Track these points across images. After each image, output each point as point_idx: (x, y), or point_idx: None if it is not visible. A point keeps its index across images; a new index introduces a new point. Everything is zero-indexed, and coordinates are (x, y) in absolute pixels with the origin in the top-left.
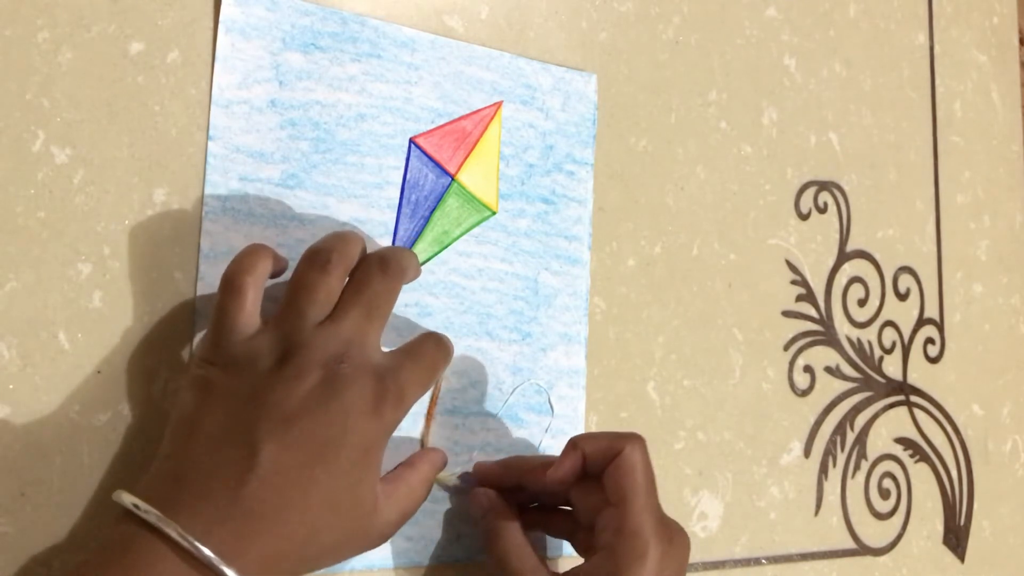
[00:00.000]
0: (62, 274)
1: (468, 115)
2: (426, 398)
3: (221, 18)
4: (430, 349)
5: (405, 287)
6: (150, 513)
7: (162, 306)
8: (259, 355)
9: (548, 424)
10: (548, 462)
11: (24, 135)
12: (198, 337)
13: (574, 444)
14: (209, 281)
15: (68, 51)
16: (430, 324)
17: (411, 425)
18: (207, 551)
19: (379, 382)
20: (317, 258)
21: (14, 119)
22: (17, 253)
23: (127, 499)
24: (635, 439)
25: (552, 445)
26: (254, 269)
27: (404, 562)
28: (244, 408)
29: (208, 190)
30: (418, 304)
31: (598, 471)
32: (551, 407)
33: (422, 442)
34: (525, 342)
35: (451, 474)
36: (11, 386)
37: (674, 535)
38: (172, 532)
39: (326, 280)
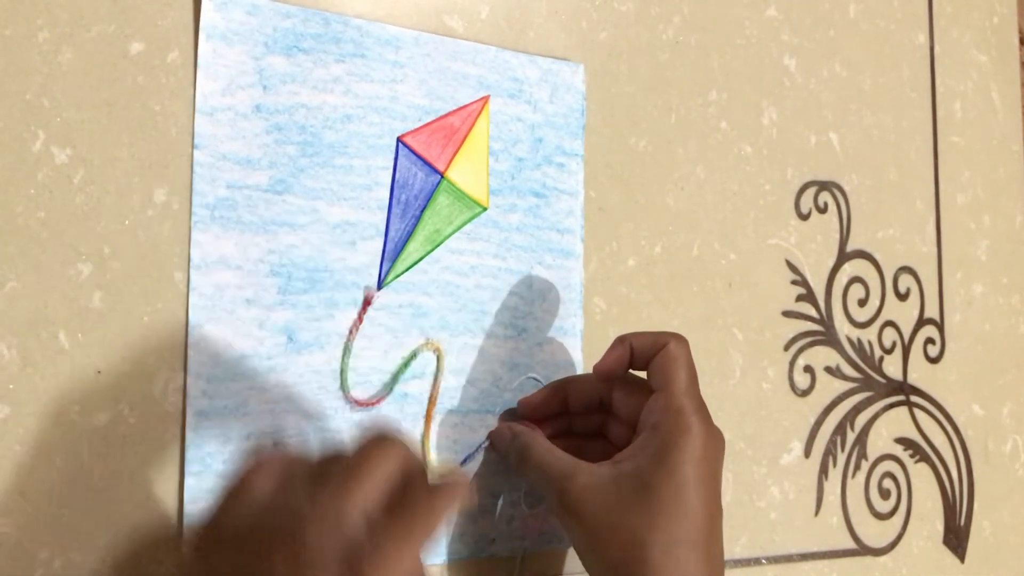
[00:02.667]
0: (62, 274)
1: (455, 111)
2: (425, 400)
3: (202, 24)
4: (430, 493)
5: (398, 288)
6: None
7: (162, 306)
8: (237, 539)
9: None
10: (592, 372)
11: (24, 135)
12: (191, 350)
13: (621, 339)
14: (201, 291)
15: (68, 51)
16: (425, 324)
17: (411, 426)
18: None
19: (351, 557)
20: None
21: (14, 119)
22: (17, 253)
23: None
24: (679, 336)
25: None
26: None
27: None
28: None
29: (196, 199)
30: (412, 304)
31: (643, 364)
32: None
33: (422, 442)
34: (521, 337)
35: (446, 463)
36: (11, 386)
37: (714, 428)
38: None
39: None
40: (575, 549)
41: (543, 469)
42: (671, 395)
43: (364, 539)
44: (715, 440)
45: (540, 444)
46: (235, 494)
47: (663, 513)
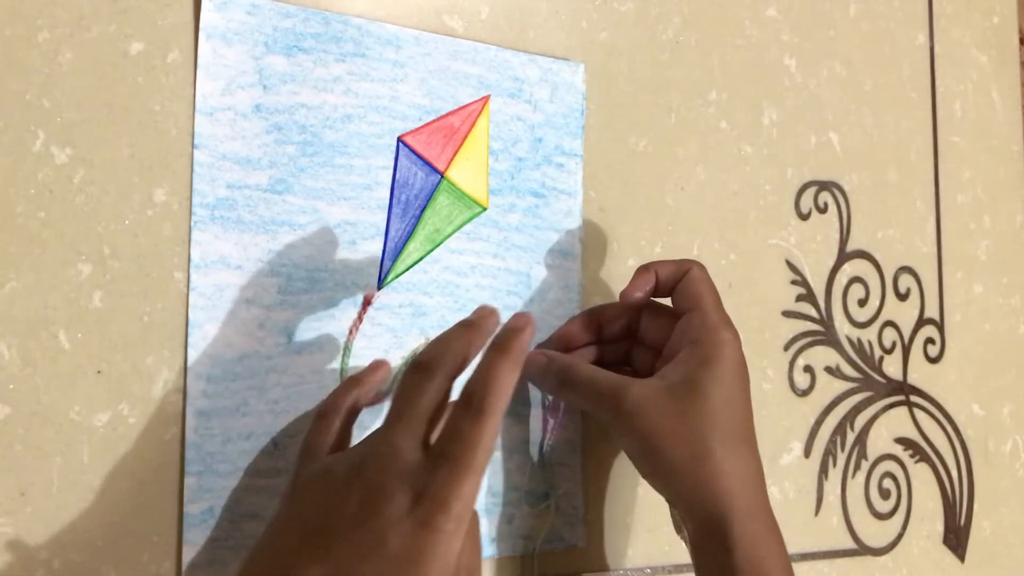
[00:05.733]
0: (62, 274)
1: (456, 111)
2: None
3: (201, 24)
4: (464, 429)
5: (398, 288)
6: None
7: (162, 306)
8: (315, 480)
9: (547, 419)
10: (619, 303)
11: (24, 135)
12: (191, 350)
13: (646, 267)
14: (201, 291)
15: (68, 51)
16: (425, 323)
17: None
18: None
19: (416, 490)
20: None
21: (14, 119)
22: (17, 253)
23: None
24: (699, 262)
25: (551, 443)
26: (344, 402)
27: None
28: (289, 537)
29: (196, 199)
30: (412, 304)
31: (667, 291)
32: (548, 401)
33: None
34: None
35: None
36: (11, 386)
37: (739, 339)
38: None
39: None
40: (633, 457)
41: (592, 385)
42: (705, 313)
43: (424, 471)
44: (741, 351)
45: (582, 363)
46: (309, 448)
47: (717, 413)
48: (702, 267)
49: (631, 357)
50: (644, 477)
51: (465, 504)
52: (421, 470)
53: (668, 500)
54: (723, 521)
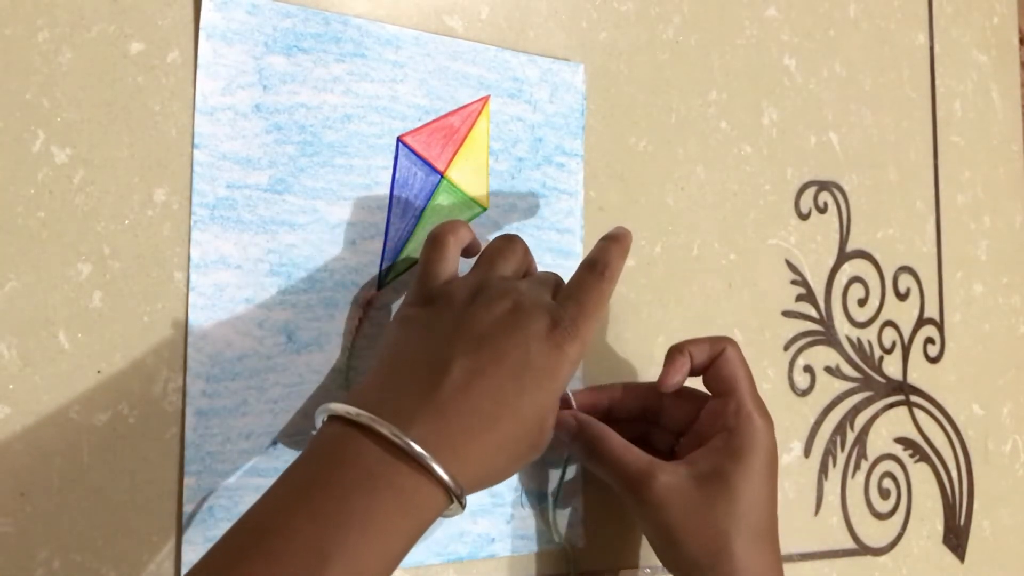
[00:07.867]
0: (62, 274)
1: (455, 111)
2: None
3: (202, 24)
4: (590, 283)
5: (398, 288)
6: (362, 415)
7: (162, 306)
8: (455, 293)
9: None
10: (641, 384)
11: (24, 135)
12: (191, 350)
13: (679, 349)
14: (201, 291)
15: (68, 51)
16: None
17: None
18: (417, 447)
19: (554, 317)
20: (506, 239)
21: (14, 119)
22: (17, 253)
23: (340, 408)
24: (731, 340)
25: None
26: (457, 231)
27: (407, 562)
28: (440, 333)
29: (196, 199)
30: None
31: (700, 372)
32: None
33: None
34: None
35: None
36: (11, 386)
37: (773, 425)
38: (384, 431)
39: (513, 247)
40: (654, 543)
41: (620, 464)
42: (741, 400)
43: (559, 307)
44: (774, 438)
45: (613, 437)
46: (432, 272)
47: (745, 508)
48: (736, 346)
49: (650, 436)
50: (662, 563)
51: (585, 341)
52: (557, 306)
53: None
54: None
